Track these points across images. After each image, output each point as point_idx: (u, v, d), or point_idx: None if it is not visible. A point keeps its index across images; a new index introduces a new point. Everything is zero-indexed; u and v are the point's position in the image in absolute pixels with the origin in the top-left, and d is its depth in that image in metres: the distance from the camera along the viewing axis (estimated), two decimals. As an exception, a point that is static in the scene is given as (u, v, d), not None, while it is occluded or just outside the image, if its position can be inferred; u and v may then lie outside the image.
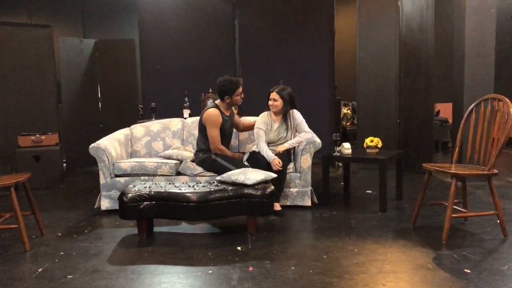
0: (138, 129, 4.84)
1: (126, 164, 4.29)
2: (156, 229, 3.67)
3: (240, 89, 4.23)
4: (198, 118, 4.39)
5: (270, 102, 4.25)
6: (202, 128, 4.21)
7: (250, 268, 2.81)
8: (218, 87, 4.18)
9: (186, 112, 5.38)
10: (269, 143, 4.26)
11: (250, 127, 4.57)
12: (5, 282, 2.70)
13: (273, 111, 4.29)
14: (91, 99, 6.93)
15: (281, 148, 4.14)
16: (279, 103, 4.22)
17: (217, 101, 4.29)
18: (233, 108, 4.47)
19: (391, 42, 5.85)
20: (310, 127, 4.34)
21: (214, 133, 4.13)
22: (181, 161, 4.35)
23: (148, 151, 4.74)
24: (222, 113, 4.20)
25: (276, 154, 4.05)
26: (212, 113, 4.14)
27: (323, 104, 6.29)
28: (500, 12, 6.75)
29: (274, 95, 4.23)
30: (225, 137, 4.27)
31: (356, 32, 6.08)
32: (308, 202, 4.22)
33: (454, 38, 5.36)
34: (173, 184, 3.66)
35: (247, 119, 4.75)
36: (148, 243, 3.36)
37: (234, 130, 4.56)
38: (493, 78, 5.06)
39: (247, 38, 6.41)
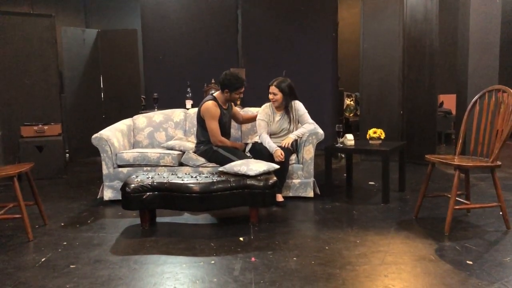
0: (140, 119, 4.84)
1: (129, 154, 4.29)
2: (159, 219, 3.68)
3: (242, 89, 4.18)
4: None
5: (270, 96, 4.22)
6: (201, 120, 4.19)
7: (253, 259, 2.82)
8: (222, 79, 4.14)
9: (188, 103, 5.38)
10: (271, 135, 4.25)
11: (250, 120, 4.55)
12: (8, 271, 2.72)
13: (274, 105, 4.26)
14: (94, 89, 6.93)
15: (287, 141, 4.12)
16: (279, 96, 4.19)
17: (216, 93, 4.25)
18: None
19: (395, 33, 5.81)
20: (313, 118, 4.32)
21: (213, 126, 4.11)
22: (183, 152, 4.35)
23: (150, 141, 4.75)
24: (220, 105, 4.17)
25: (280, 147, 4.05)
26: (210, 105, 4.11)
27: (326, 95, 6.28)
28: (505, 3, 6.70)
29: (273, 88, 4.20)
30: (225, 129, 4.26)
31: (359, 23, 6.04)
32: (310, 193, 4.22)
33: (458, 29, 5.32)
34: (176, 174, 3.66)
35: (249, 111, 4.74)
36: (150, 234, 3.37)
37: (234, 122, 4.54)
38: (497, 69, 5.03)
39: (250, 28, 6.38)
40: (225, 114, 4.23)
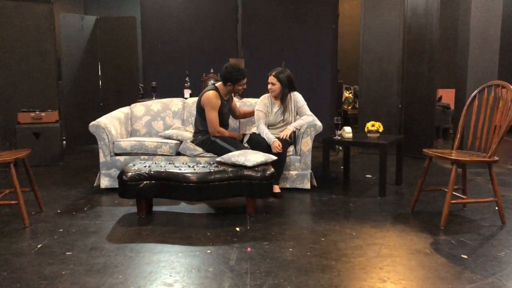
0: (138, 108, 4.82)
1: (126, 143, 4.28)
2: (155, 208, 3.68)
3: (245, 80, 4.17)
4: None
5: (268, 86, 4.21)
6: (200, 109, 4.18)
7: (248, 249, 2.83)
8: (224, 72, 4.11)
9: (187, 92, 5.36)
10: (269, 126, 4.24)
11: (247, 115, 4.54)
12: (4, 258, 2.72)
13: (272, 95, 4.25)
14: (92, 76, 6.89)
15: (286, 132, 4.11)
16: (277, 86, 4.18)
17: (218, 84, 4.24)
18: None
19: (395, 26, 5.78)
20: (311, 110, 4.31)
21: (212, 116, 4.09)
22: (181, 142, 4.34)
23: (148, 130, 4.73)
24: (221, 96, 4.15)
25: (278, 138, 4.04)
26: (211, 95, 4.09)
27: (325, 87, 6.26)
28: (506, -2, 6.67)
29: (271, 78, 4.19)
30: (224, 120, 4.24)
31: (360, 15, 6.00)
32: (307, 185, 4.22)
33: (459, 24, 5.30)
34: (173, 164, 3.66)
35: (248, 101, 4.72)
36: (147, 222, 3.38)
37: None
38: (497, 64, 5.02)
39: (250, 19, 6.34)
40: (225, 105, 4.22)
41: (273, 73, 4.19)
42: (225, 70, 4.10)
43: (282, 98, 4.23)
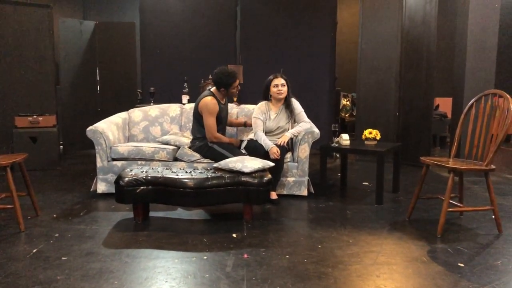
0: (136, 113, 4.82)
1: (123, 148, 4.28)
2: (152, 214, 3.67)
3: (237, 82, 4.17)
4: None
5: (276, 89, 4.18)
6: (198, 116, 4.18)
7: (245, 255, 2.82)
8: (215, 79, 4.13)
9: (185, 98, 5.36)
10: (267, 133, 4.24)
11: (236, 125, 4.56)
12: (-1, 262, 2.71)
13: (280, 98, 4.21)
14: (90, 81, 6.90)
15: (283, 139, 4.11)
16: (286, 88, 4.19)
17: (213, 89, 4.24)
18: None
19: (393, 35, 5.82)
20: (309, 117, 4.32)
21: (210, 122, 4.09)
22: (178, 147, 4.33)
23: (145, 135, 4.73)
24: (218, 101, 4.16)
25: (276, 145, 4.04)
26: (209, 101, 4.10)
27: (323, 95, 6.28)
28: (503, 7, 6.72)
29: (281, 80, 4.17)
30: (222, 125, 4.25)
31: (358, 24, 6.04)
32: (304, 192, 4.22)
33: (456, 32, 5.33)
34: (170, 169, 3.65)
35: (246, 108, 4.73)
36: (143, 228, 3.36)
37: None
38: (494, 73, 5.05)
39: (249, 25, 6.37)
40: (223, 109, 4.23)
41: (279, 75, 4.20)
42: (215, 76, 4.12)
43: (286, 102, 4.22)
